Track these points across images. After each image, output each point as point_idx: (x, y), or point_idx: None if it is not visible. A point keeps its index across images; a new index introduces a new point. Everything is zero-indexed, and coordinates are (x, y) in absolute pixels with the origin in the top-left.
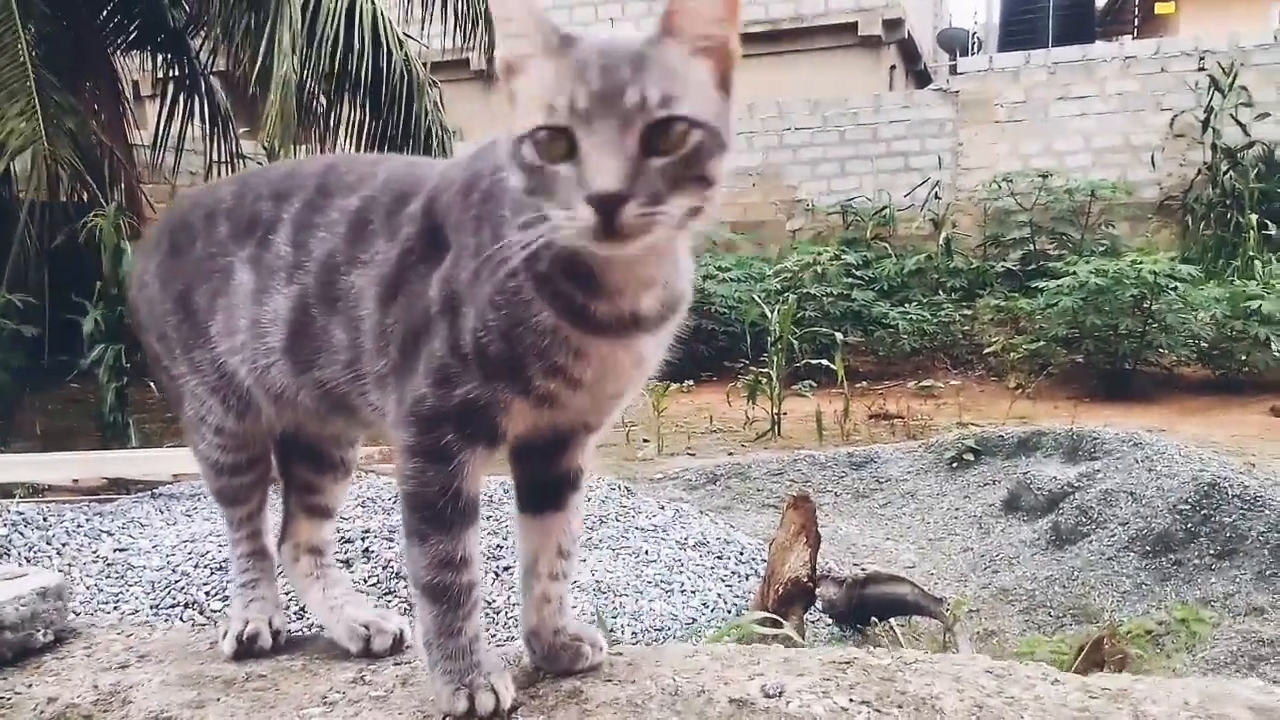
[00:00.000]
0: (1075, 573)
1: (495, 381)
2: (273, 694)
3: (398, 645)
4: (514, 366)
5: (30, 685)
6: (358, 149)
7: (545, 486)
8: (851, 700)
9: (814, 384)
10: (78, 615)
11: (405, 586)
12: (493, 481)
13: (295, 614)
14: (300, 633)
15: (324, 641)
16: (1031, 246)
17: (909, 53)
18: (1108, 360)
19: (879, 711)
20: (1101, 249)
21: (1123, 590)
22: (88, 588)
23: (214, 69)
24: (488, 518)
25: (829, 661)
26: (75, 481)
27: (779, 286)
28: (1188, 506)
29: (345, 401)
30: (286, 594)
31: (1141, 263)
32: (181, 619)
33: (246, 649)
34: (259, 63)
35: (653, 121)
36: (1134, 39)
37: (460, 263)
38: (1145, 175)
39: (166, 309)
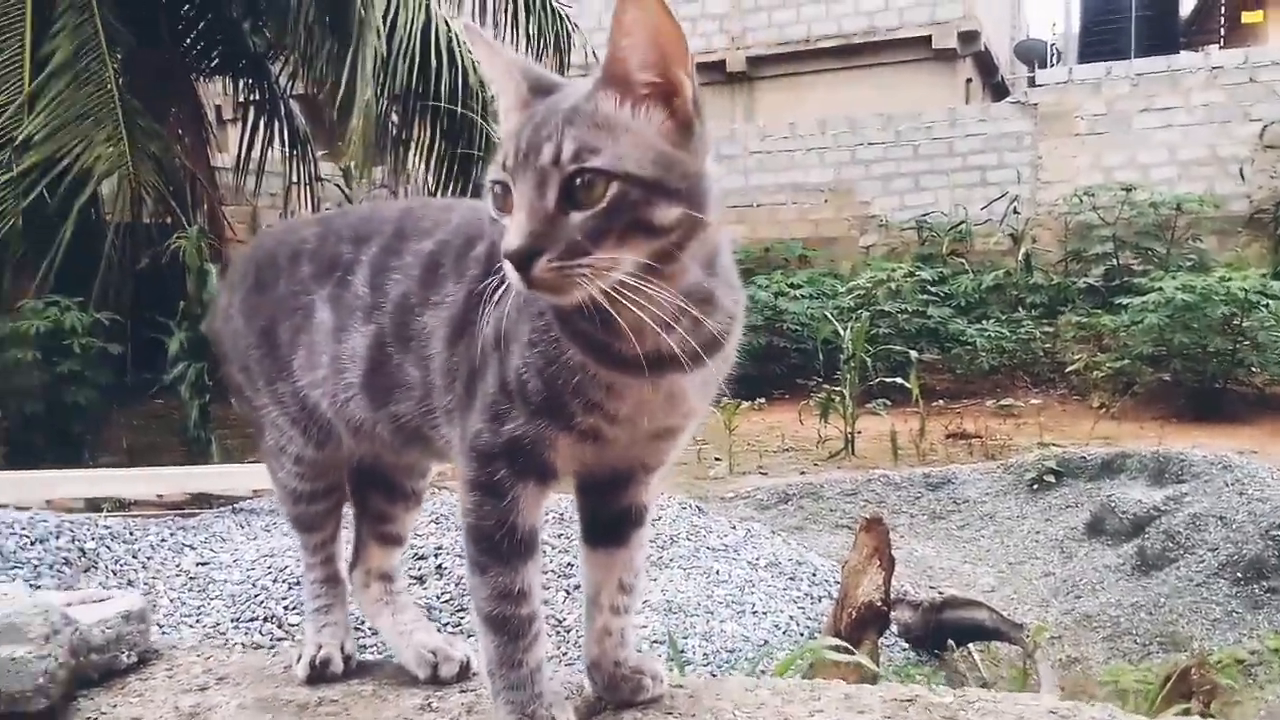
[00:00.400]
0: (1162, 599)
1: (539, 418)
2: (344, 719)
3: (464, 672)
4: (553, 403)
5: (115, 706)
6: (428, 170)
7: (608, 522)
8: None
9: (888, 402)
10: (162, 629)
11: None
12: (564, 499)
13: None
14: (369, 656)
15: (392, 667)
16: (1115, 262)
17: (985, 65)
18: (1196, 379)
19: None
20: (1188, 264)
21: (1212, 618)
22: (171, 601)
23: (293, 93)
24: (559, 535)
25: (890, 699)
26: (160, 496)
27: (852, 304)
28: None
29: (419, 434)
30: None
31: (1231, 278)
32: (260, 632)
33: (319, 673)
34: (341, 87)
35: (567, 176)
36: (1220, 49)
37: (505, 304)
38: (1233, 188)
39: (250, 342)
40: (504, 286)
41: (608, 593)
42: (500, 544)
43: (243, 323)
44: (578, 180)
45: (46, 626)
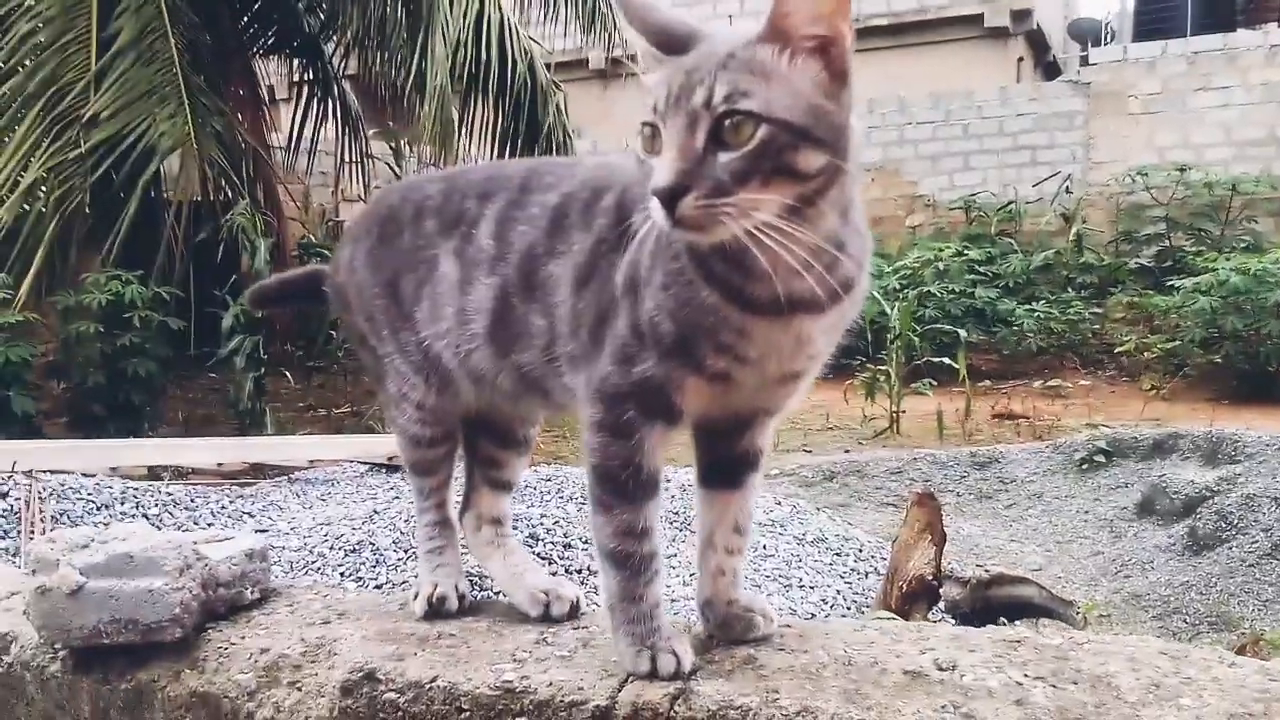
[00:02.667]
0: (1214, 579)
1: (669, 360)
2: (464, 650)
3: (574, 611)
4: (685, 345)
5: (244, 637)
6: (493, 152)
7: (725, 465)
8: (1026, 675)
9: (934, 382)
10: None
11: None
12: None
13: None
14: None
15: (503, 606)
16: (1167, 242)
17: (1038, 44)
18: (1248, 362)
19: (1055, 688)
20: (1243, 246)
21: (1265, 599)
22: None
23: (345, 73)
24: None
25: (1000, 639)
26: (219, 465)
27: (898, 284)
28: None
29: (540, 384)
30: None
31: None
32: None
33: (435, 610)
34: (413, 73)
35: (718, 116)
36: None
37: (640, 249)
38: None
39: (375, 292)
40: (645, 227)
41: (722, 534)
42: (626, 484)
43: (368, 274)
44: (727, 122)
45: (180, 560)
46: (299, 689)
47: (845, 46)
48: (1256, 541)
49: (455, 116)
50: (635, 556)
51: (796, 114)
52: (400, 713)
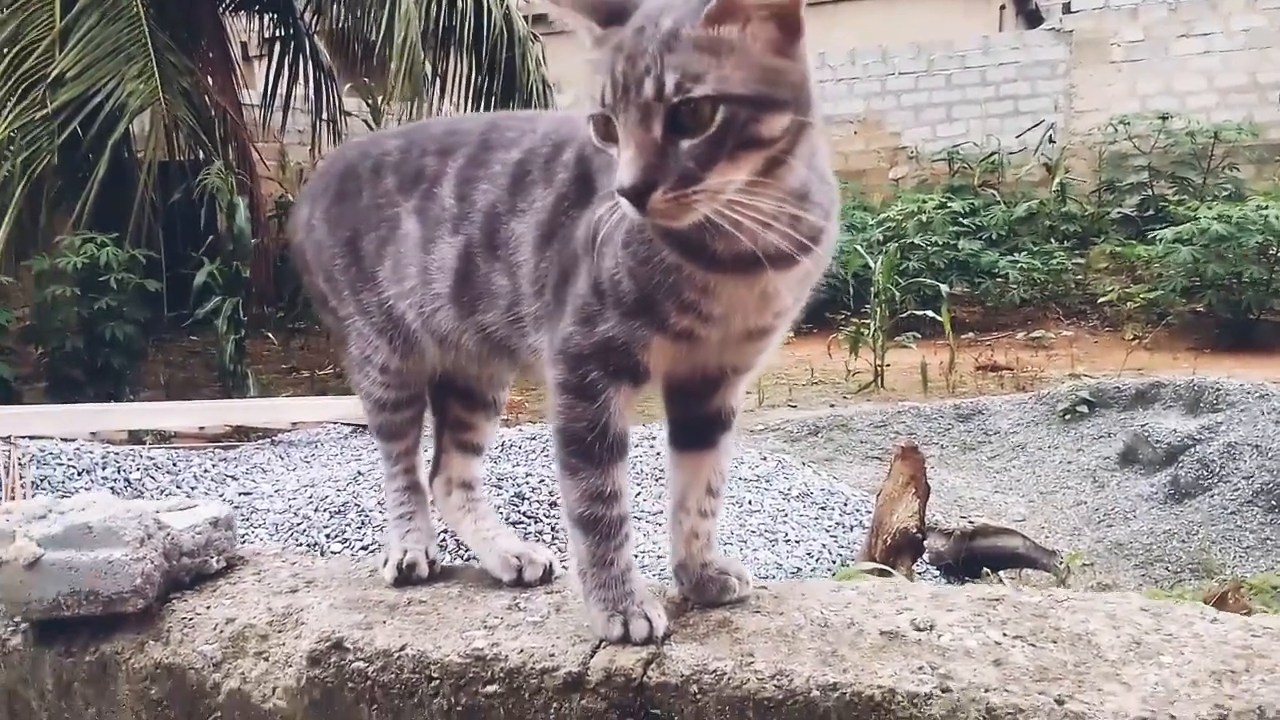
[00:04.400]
0: (1195, 527)
1: (632, 319)
2: (434, 617)
3: (547, 576)
4: (647, 304)
5: (209, 607)
6: (463, 105)
7: (696, 426)
8: (1005, 635)
9: (918, 335)
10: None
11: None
12: None
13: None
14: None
15: (475, 571)
16: (1150, 191)
17: None
18: (1230, 310)
19: (1033, 646)
20: (1225, 194)
21: (1245, 545)
22: None
23: (319, 29)
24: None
25: (978, 598)
26: (201, 429)
27: (881, 236)
28: None
29: (505, 344)
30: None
31: (1268, 207)
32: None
33: (405, 577)
34: (383, 29)
35: (670, 108)
36: None
37: (601, 205)
38: (1273, 116)
39: (334, 252)
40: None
41: (695, 496)
42: (592, 446)
43: (326, 233)
44: (683, 109)
45: (141, 530)
46: (266, 659)
47: (798, 8)
48: (1238, 489)
49: (426, 71)
50: (604, 520)
51: (753, 84)
52: (369, 682)
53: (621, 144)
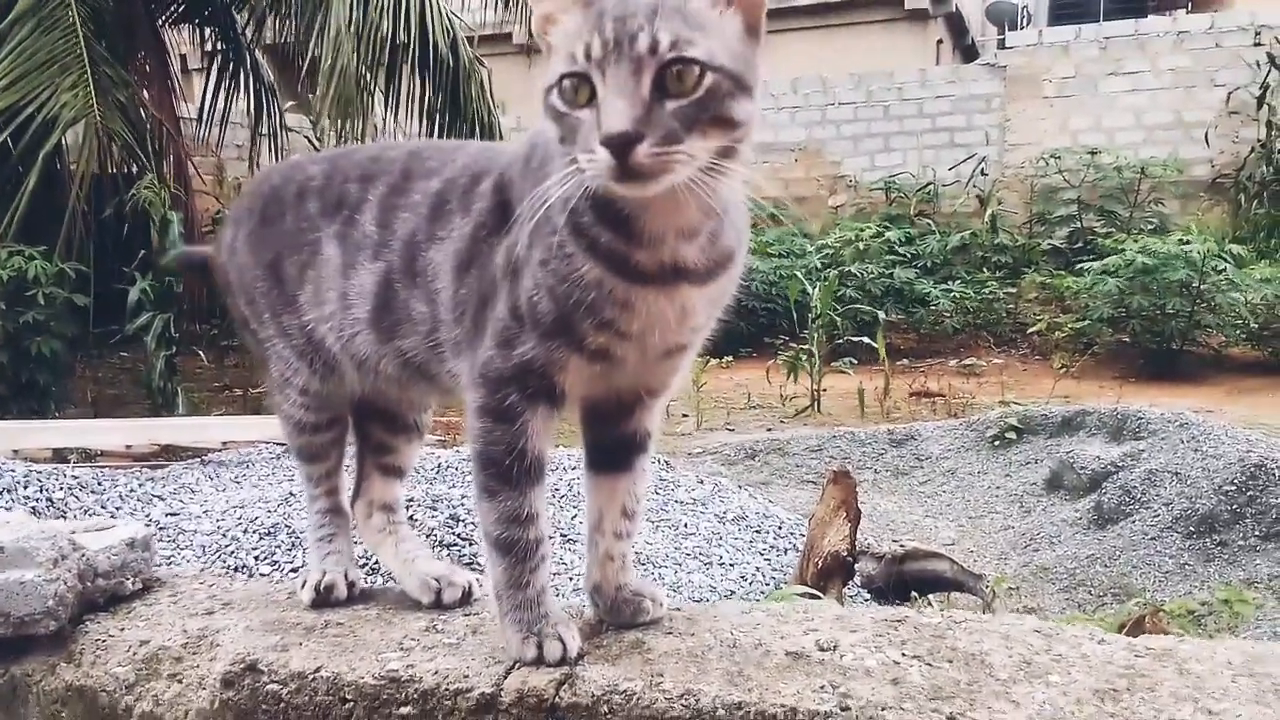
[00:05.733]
0: (1117, 552)
1: (550, 340)
2: (351, 639)
3: (466, 598)
4: (565, 323)
5: (123, 629)
6: (412, 127)
7: (612, 449)
8: (904, 655)
9: (854, 361)
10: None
11: (448, 554)
12: None
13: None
14: (372, 585)
15: (395, 593)
16: (1079, 224)
17: (957, 26)
18: (1154, 340)
19: (930, 665)
20: (1150, 227)
21: (1165, 570)
22: None
23: (259, 43)
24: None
25: (881, 619)
26: (128, 447)
27: (820, 263)
28: (1233, 487)
29: (425, 370)
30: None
31: (1190, 242)
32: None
33: (323, 598)
34: (311, 48)
35: (664, 64)
36: (1188, 13)
37: (519, 229)
38: (1197, 153)
39: (256, 275)
40: (525, 205)
41: (611, 518)
42: (510, 468)
43: (248, 256)
44: (671, 69)
45: (54, 551)
46: (179, 681)
47: (764, 3)
48: (1158, 515)
49: (355, 92)
50: (521, 543)
51: (732, 62)
52: (283, 704)
53: (608, 95)
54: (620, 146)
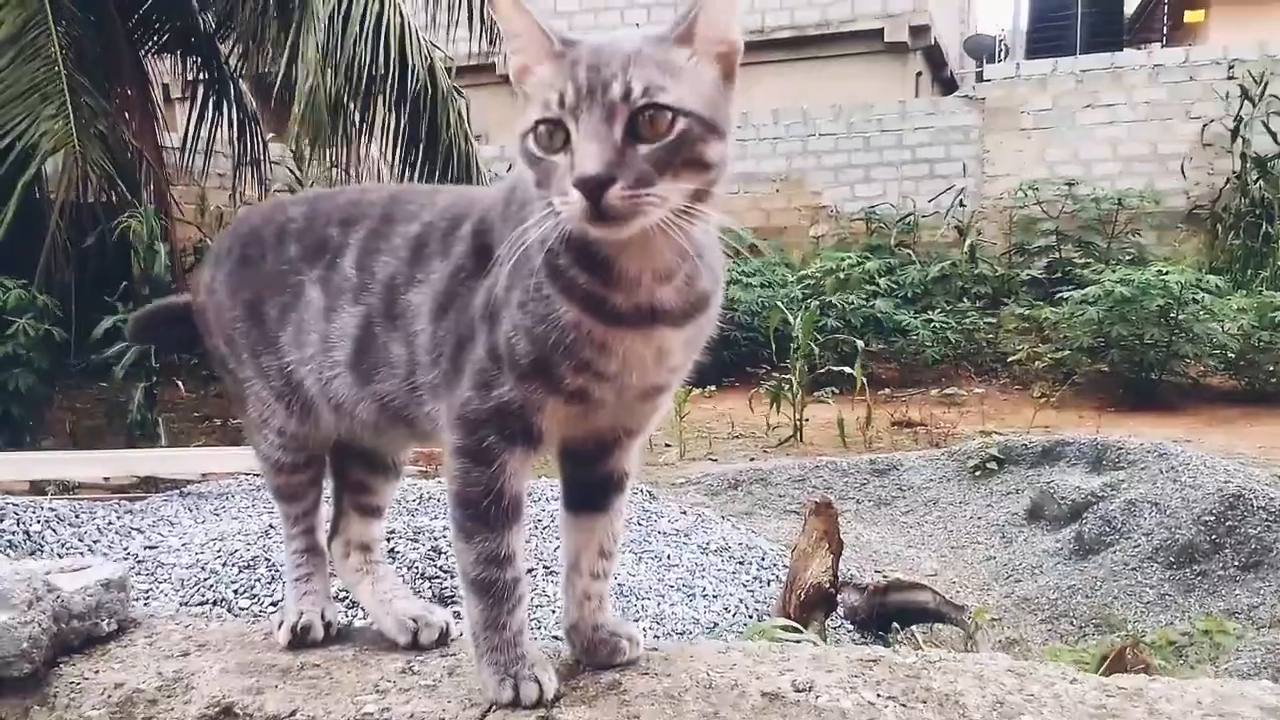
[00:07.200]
0: (1098, 583)
1: (528, 382)
2: (327, 682)
3: (443, 638)
4: (543, 365)
5: (97, 672)
6: (395, 155)
7: (590, 489)
8: (879, 695)
9: (836, 391)
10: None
11: (429, 587)
12: None
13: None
14: (349, 623)
15: (372, 633)
16: (1057, 255)
17: (935, 59)
18: (1133, 370)
19: (904, 706)
20: (1128, 258)
21: (1146, 601)
22: None
23: (243, 73)
24: None
25: (856, 659)
26: (106, 479)
27: (801, 293)
28: (1212, 518)
29: (403, 413)
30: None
31: (1168, 272)
32: (210, 616)
33: (300, 639)
34: (282, 74)
35: (636, 110)
36: (1163, 47)
37: (498, 272)
38: (1173, 184)
39: (235, 315)
40: (504, 248)
41: (588, 558)
42: (488, 510)
43: (227, 296)
44: (644, 115)
45: (29, 593)
46: None
47: (738, 51)
48: (1138, 545)
49: (326, 116)
50: (498, 584)
51: (704, 107)
52: None
53: (581, 140)
54: (593, 188)
